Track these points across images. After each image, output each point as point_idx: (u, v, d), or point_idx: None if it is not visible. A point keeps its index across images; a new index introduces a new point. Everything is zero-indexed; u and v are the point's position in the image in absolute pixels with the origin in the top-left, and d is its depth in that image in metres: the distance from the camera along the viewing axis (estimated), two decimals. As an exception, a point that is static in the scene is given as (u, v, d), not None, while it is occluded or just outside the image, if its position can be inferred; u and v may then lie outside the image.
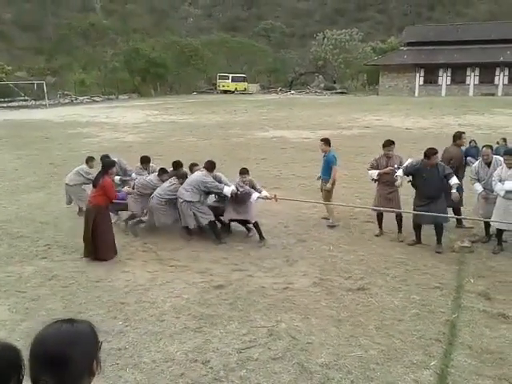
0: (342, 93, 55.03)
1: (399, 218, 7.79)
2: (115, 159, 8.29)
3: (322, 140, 8.62)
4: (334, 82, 61.11)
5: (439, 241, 7.18)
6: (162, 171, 8.23)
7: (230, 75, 57.28)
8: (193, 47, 58.59)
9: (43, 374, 1.46)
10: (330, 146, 8.50)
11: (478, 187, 7.36)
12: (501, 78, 49.67)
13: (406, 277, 6.20)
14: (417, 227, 7.44)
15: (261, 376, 4.17)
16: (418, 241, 7.46)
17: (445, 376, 4.12)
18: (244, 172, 7.77)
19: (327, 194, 8.46)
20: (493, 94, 48.38)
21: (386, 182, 7.75)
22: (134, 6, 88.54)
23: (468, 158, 9.06)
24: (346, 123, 24.62)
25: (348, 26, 70.09)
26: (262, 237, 7.63)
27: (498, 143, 13.95)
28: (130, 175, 9.05)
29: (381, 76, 54.12)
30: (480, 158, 7.59)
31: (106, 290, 5.95)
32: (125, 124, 25.80)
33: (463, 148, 9.26)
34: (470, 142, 14.41)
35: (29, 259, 7.06)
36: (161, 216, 7.95)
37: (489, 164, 7.30)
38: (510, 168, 6.83)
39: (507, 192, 6.75)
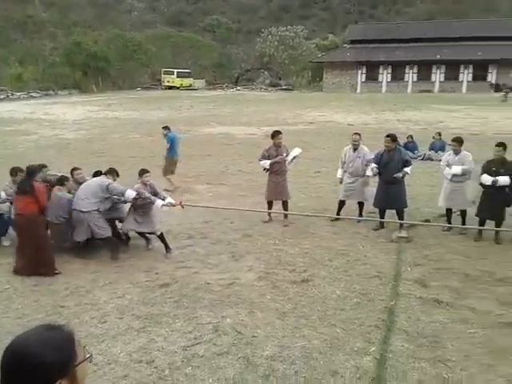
0: (287, 89, 55.61)
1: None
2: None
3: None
4: (280, 79, 61.67)
5: (401, 225, 7.70)
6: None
7: (175, 70, 56.32)
8: (136, 41, 57.20)
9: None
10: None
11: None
12: (437, 76, 52.01)
13: (347, 267, 6.40)
14: (380, 212, 8.04)
15: (206, 372, 4.17)
16: (382, 226, 7.95)
17: (383, 361, 4.30)
18: (144, 173, 6.97)
19: None
20: (430, 91, 50.55)
21: (276, 171, 8.22)
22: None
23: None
24: (291, 119, 24.97)
25: (293, 22, 70.86)
26: (168, 248, 6.92)
27: (433, 138, 14.65)
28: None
29: (325, 73, 55.23)
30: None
31: (45, 294, 5.74)
32: (64, 120, 24.86)
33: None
34: (407, 137, 15.03)
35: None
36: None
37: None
38: (456, 154, 7.62)
39: (454, 175, 7.59)
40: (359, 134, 8.35)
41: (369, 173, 8.07)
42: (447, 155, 7.94)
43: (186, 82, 57.15)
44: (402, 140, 14.11)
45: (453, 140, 7.86)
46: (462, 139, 7.78)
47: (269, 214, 8.48)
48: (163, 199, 6.97)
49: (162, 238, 7.01)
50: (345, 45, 56.75)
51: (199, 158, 14.32)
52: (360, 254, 6.85)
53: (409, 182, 8.59)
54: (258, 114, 27.18)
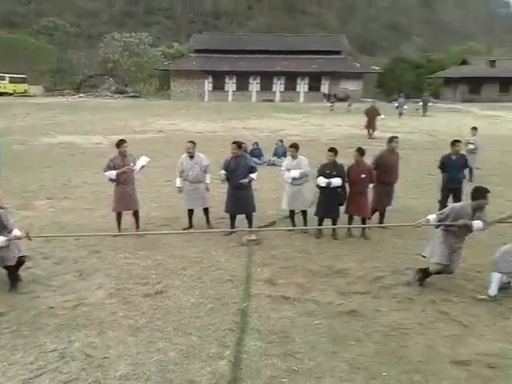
0: (134, 96, 54.26)
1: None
2: None
3: None
4: (126, 86, 59.90)
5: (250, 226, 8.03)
6: None
7: (7, 75, 51.05)
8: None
9: None
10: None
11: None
12: (278, 86, 55.63)
13: (201, 274, 6.45)
14: (231, 217, 8.22)
15: (52, 404, 3.83)
16: (233, 226, 8.14)
17: (238, 362, 4.42)
18: None
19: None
20: (272, 100, 53.82)
21: (123, 181, 8.02)
22: None
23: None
24: (140, 127, 24.44)
25: (137, 29, 69.56)
26: (13, 285, 5.96)
27: (276, 144, 15.58)
28: None
29: (172, 81, 55.20)
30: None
31: None
32: None
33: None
34: (252, 144, 15.74)
35: None
36: None
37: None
38: (294, 159, 8.16)
39: (293, 179, 8.09)
40: (193, 142, 8.43)
41: (208, 180, 8.40)
42: (286, 160, 8.49)
43: (20, 87, 52.25)
44: (248, 147, 14.76)
45: (290, 146, 8.40)
46: (298, 145, 8.40)
47: (118, 227, 8.14)
48: (10, 232, 5.80)
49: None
50: (190, 54, 57.42)
51: (38, 170, 13.16)
52: (213, 260, 6.96)
53: (256, 187, 8.99)
54: (103, 122, 26.02)
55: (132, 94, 55.30)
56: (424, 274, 6.06)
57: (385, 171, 8.40)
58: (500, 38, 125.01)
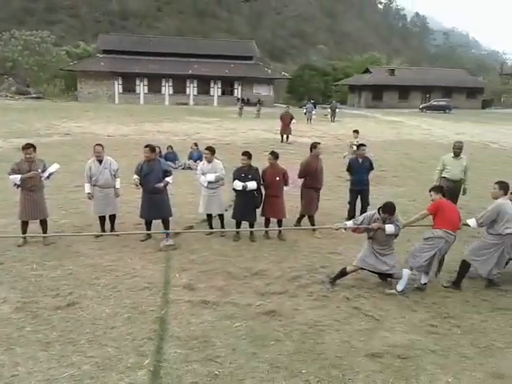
0: (37, 98, 51.10)
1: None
2: None
3: None
4: (28, 86, 56.23)
5: (167, 234, 7.82)
6: None
7: None
8: None
9: None
10: None
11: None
12: (191, 89, 55.32)
13: (116, 283, 6.20)
14: (146, 223, 8.04)
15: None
16: (149, 236, 7.98)
17: (158, 371, 4.31)
18: None
19: None
20: (186, 104, 53.42)
21: (30, 187, 7.51)
22: None
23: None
24: (45, 130, 23.06)
25: (39, 27, 65.52)
26: None
27: (191, 148, 15.48)
28: None
29: (79, 82, 52.81)
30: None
31: None
32: None
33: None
34: (167, 148, 15.51)
35: None
36: None
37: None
38: (209, 162, 8.13)
39: (209, 182, 8.07)
40: (102, 146, 8.17)
41: (118, 185, 8.20)
42: (202, 164, 8.39)
43: None
44: (163, 150, 14.51)
45: (205, 149, 8.35)
46: (214, 149, 8.38)
47: (23, 237, 7.57)
48: None
49: None
50: (98, 54, 55.26)
51: None
52: (129, 268, 6.73)
53: (172, 191, 8.86)
54: (4, 125, 24.21)
55: (35, 95, 52.02)
56: (342, 274, 6.33)
57: (312, 177, 8.58)
58: (397, 48, 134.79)
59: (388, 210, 5.99)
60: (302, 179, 8.69)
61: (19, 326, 5.04)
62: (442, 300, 5.97)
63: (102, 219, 8.21)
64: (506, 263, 6.57)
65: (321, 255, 7.44)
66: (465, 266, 6.35)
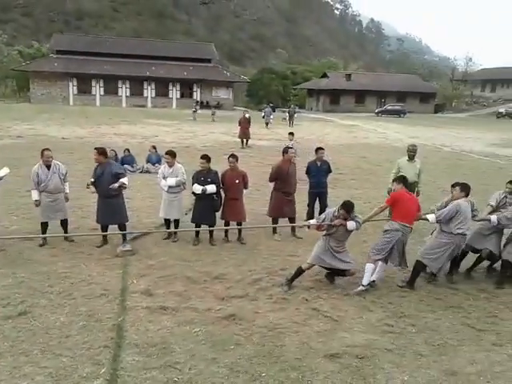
0: (-13, 99, 49.08)
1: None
2: None
3: None
4: (-24, 87, 53.96)
5: (124, 239, 7.71)
6: None
7: None
8: None
9: None
10: None
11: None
12: (149, 91, 54.53)
13: (71, 291, 6.01)
14: (102, 228, 7.83)
15: None
16: (105, 242, 7.80)
17: (115, 380, 4.20)
18: None
19: None
20: (144, 106, 52.62)
21: None
22: None
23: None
24: (-6, 133, 22.14)
25: (-12, 25, 63.05)
26: None
27: (149, 151, 15.25)
28: None
29: (31, 83, 51.04)
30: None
31: None
32: None
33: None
34: (124, 151, 15.24)
35: None
36: None
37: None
38: (170, 166, 8.03)
39: (170, 187, 7.98)
40: (50, 150, 7.89)
41: (67, 189, 8.02)
42: (163, 167, 8.27)
43: None
44: (120, 153, 14.22)
45: (166, 153, 8.25)
46: (175, 153, 8.28)
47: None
48: None
49: None
50: (51, 54, 53.62)
51: None
52: (84, 275, 6.54)
53: (130, 196, 8.68)
54: (-52, 127, 23.06)
55: (-16, 96, 49.94)
56: (298, 272, 6.39)
57: (283, 181, 8.59)
58: (354, 53, 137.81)
59: (347, 207, 6.17)
60: (273, 183, 8.74)
61: (-34, 338, 4.80)
62: (398, 300, 6.13)
63: (44, 225, 7.85)
64: (458, 263, 6.86)
65: (280, 258, 7.48)
66: (419, 266, 6.56)
